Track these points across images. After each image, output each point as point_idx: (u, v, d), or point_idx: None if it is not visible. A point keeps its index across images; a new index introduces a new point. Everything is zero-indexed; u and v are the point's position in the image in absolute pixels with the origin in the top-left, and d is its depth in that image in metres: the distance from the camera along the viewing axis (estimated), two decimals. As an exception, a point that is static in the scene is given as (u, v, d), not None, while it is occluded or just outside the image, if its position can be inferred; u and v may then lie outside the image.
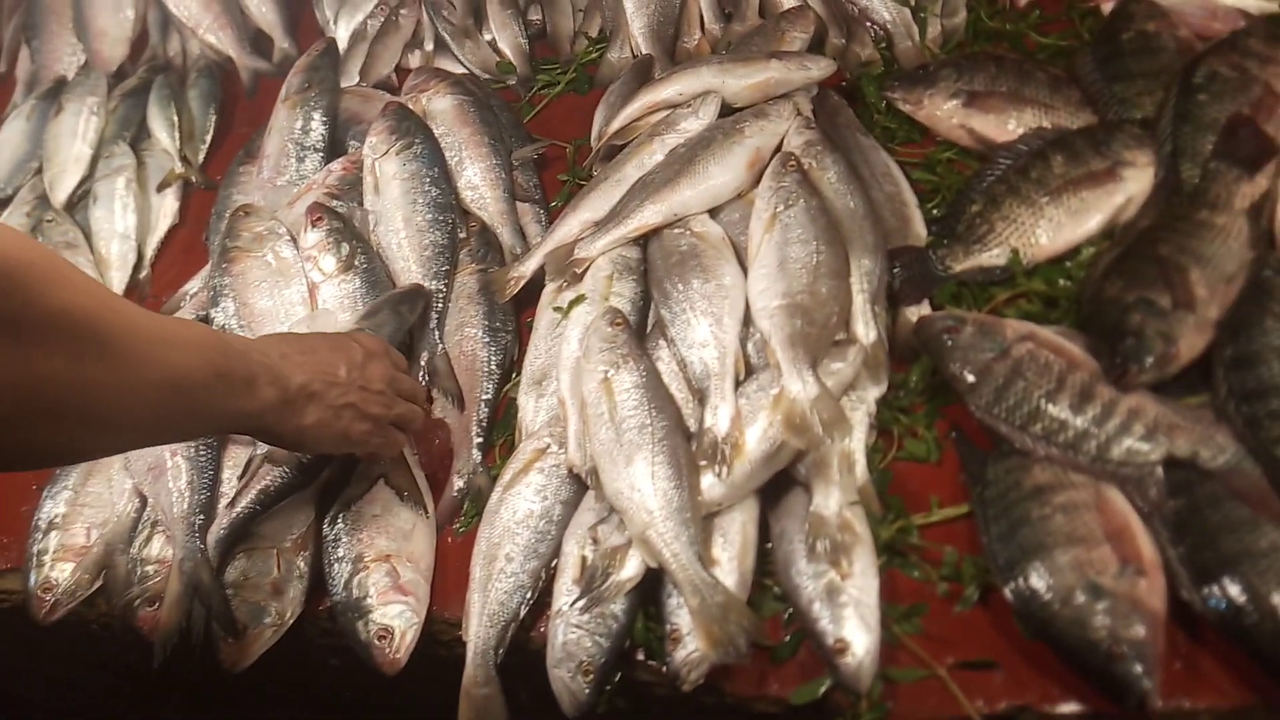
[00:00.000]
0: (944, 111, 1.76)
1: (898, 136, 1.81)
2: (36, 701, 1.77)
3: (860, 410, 1.42)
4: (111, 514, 1.52)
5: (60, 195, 2.04)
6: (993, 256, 1.57)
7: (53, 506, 1.54)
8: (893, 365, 1.48)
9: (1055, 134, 1.66)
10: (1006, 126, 1.72)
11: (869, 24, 1.98)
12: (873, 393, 1.43)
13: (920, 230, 1.63)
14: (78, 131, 2.11)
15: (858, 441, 1.39)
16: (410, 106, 1.91)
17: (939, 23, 1.97)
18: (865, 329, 1.47)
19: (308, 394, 1.24)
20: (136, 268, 1.96)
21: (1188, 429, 1.29)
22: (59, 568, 1.47)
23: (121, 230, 1.96)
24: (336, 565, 1.40)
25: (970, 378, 1.38)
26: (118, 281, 1.93)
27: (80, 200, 2.06)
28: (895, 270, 1.55)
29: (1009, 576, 1.22)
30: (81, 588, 1.46)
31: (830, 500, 1.29)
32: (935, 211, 1.67)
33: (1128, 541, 1.21)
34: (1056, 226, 1.56)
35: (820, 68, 1.77)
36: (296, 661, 1.40)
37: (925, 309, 1.54)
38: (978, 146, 1.74)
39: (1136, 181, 1.57)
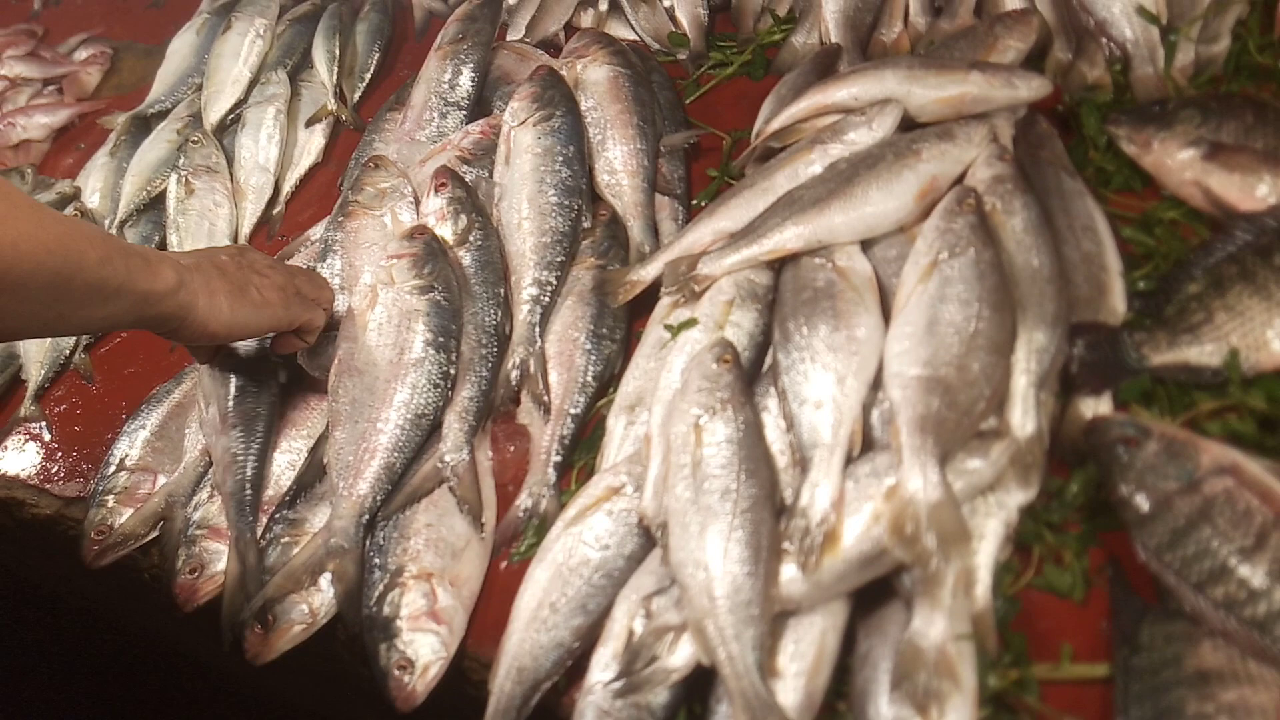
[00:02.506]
0: (1177, 161, 1.45)
1: (1114, 182, 1.51)
2: (72, 635, 1.79)
3: (998, 518, 1.18)
4: (180, 464, 1.47)
5: (213, 117, 2.02)
6: (1205, 353, 1.27)
7: (127, 445, 1.52)
8: (1051, 468, 1.22)
9: (1317, 211, 1.32)
10: (1255, 192, 1.39)
11: (1105, 40, 1.66)
12: (1017, 498, 1.19)
13: (1119, 305, 1.34)
14: (240, 53, 2.08)
15: (985, 556, 1.15)
16: (564, 73, 1.75)
17: (1193, 49, 1.62)
18: (1023, 419, 1.22)
19: (204, 272, 1.26)
20: (271, 203, 1.93)
21: None
22: (118, 512, 1.44)
23: (262, 161, 1.93)
24: (374, 574, 1.29)
25: (1144, 508, 1.11)
26: (250, 213, 1.90)
27: (232, 124, 2.03)
28: (1076, 350, 1.28)
29: (1139, 780, 0.97)
30: (134, 538, 1.44)
31: (933, 628, 1.07)
32: (1143, 284, 1.38)
33: (1309, 775, 0.94)
34: (1296, 330, 1.25)
35: (1031, 88, 1.49)
36: (321, 670, 1.31)
37: (1105, 406, 1.27)
38: (1213, 210, 1.42)
39: None
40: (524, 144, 1.64)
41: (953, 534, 1.07)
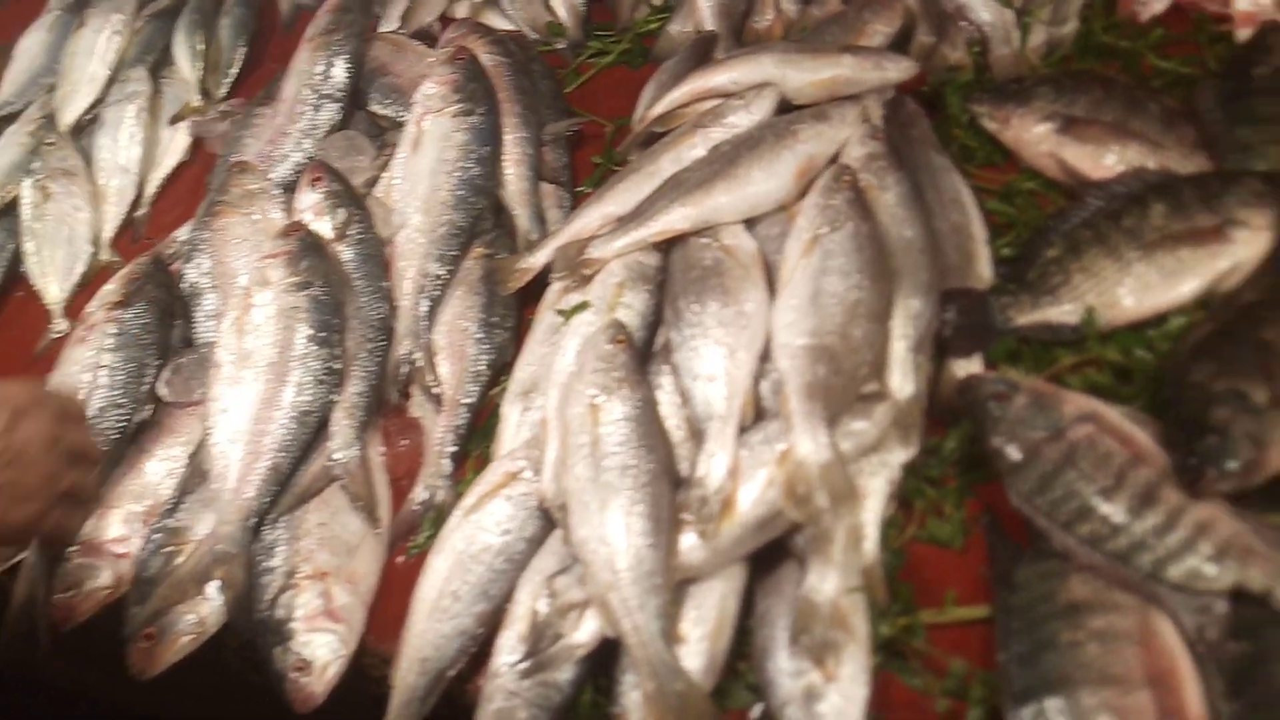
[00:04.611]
0: (1034, 135, 1.54)
1: (977, 157, 1.59)
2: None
3: (881, 476, 1.23)
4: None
5: (67, 117, 1.92)
6: (1064, 312, 1.35)
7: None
8: (930, 427, 1.28)
9: (1160, 178, 1.42)
10: (1104, 161, 1.49)
11: (965, 23, 1.75)
12: (899, 456, 1.24)
13: (985, 271, 1.42)
14: (96, 50, 1.98)
15: (872, 513, 1.20)
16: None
17: (1045, 30, 1.72)
18: (902, 381, 1.27)
19: None
20: (134, 205, 1.85)
21: (1266, 556, 1.07)
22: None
23: (123, 162, 1.85)
24: (265, 577, 1.26)
25: (1014, 457, 1.18)
26: (112, 217, 1.81)
27: (90, 125, 1.94)
28: (947, 315, 1.34)
29: (1020, 709, 1.02)
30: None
31: (826, 584, 1.10)
32: (1006, 251, 1.46)
33: (1172, 690, 1.01)
34: (1144, 287, 1.34)
35: (898, 69, 1.56)
36: (214, 682, 1.27)
37: (976, 365, 1.34)
38: (1067, 180, 1.52)
39: (1248, 246, 1.34)
40: (436, 133, 1.61)
41: (842, 492, 1.11)
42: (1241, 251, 1.34)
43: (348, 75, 1.76)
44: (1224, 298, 1.32)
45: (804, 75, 1.53)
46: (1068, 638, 1.05)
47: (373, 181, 1.66)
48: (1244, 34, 1.66)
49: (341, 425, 1.38)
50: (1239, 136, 1.46)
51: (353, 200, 1.57)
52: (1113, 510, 1.11)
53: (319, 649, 1.20)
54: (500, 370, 1.46)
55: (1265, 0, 1.69)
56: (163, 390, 1.48)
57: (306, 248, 1.47)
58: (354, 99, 1.80)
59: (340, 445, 1.36)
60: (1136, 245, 1.35)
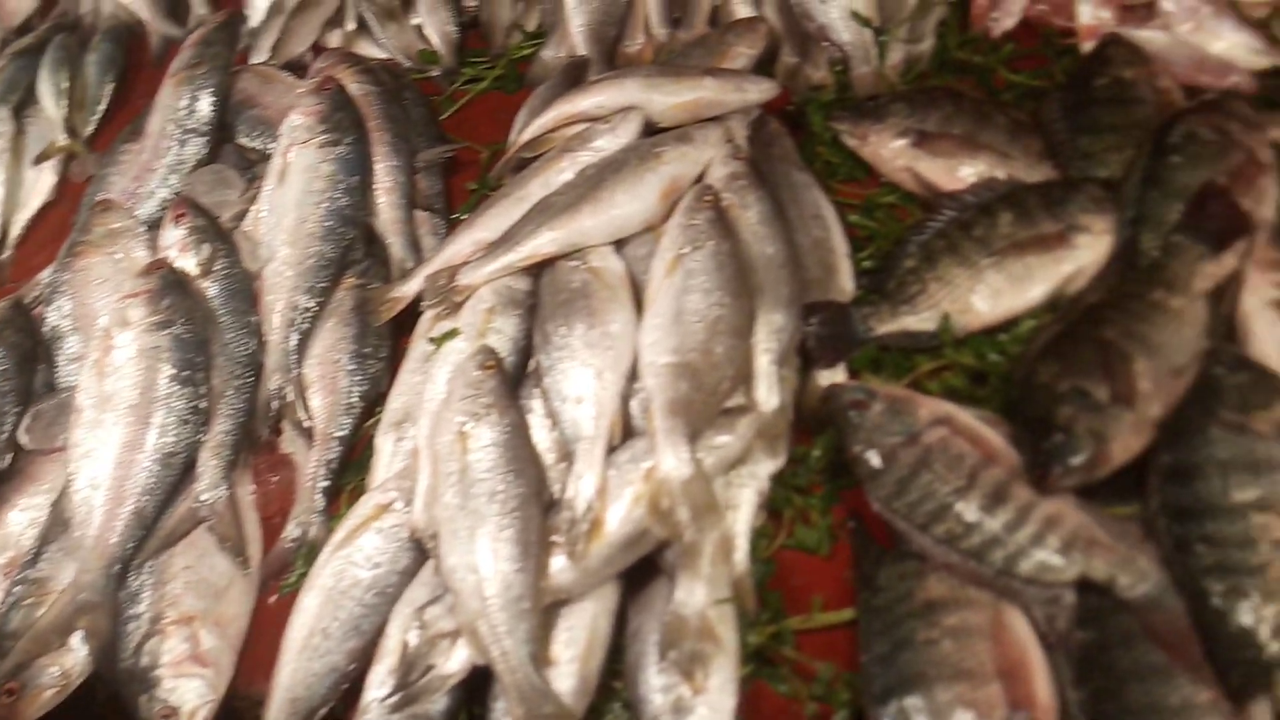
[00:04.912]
0: (890, 150, 1.59)
1: (839, 173, 1.65)
2: None
3: (750, 487, 1.26)
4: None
5: (-76, 160, 1.86)
6: (921, 320, 1.41)
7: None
8: (797, 436, 1.31)
9: (1008, 187, 1.49)
10: (956, 174, 1.55)
11: (827, 43, 1.80)
12: (767, 467, 1.27)
13: (846, 284, 1.46)
14: (-46, 91, 1.92)
15: (742, 524, 1.23)
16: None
17: (903, 48, 1.79)
18: (767, 394, 1.30)
19: None
20: (-2, 247, 1.79)
21: (1109, 547, 1.13)
22: None
23: (-15, 205, 1.79)
24: (130, 625, 1.23)
25: (874, 462, 1.22)
26: (-26, 261, 1.76)
27: (-52, 168, 1.87)
28: (810, 327, 1.38)
29: (881, 708, 1.06)
30: None
31: (694, 597, 1.12)
32: (868, 263, 1.51)
33: (1022, 680, 1.05)
34: (995, 293, 1.40)
35: (759, 90, 1.59)
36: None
37: (840, 375, 1.38)
38: (924, 193, 1.58)
39: (1090, 250, 1.41)
40: (302, 164, 1.59)
41: (704, 506, 1.14)
42: (1084, 255, 1.41)
43: (213, 109, 1.74)
44: (1070, 300, 1.39)
45: (667, 98, 1.56)
46: (924, 636, 1.09)
47: (241, 215, 1.64)
48: (1088, 47, 1.75)
49: (208, 465, 1.36)
50: (1081, 145, 1.54)
51: (218, 235, 1.54)
52: (966, 509, 1.15)
53: (186, 694, 1.17)
54: (375, 401, 1.45)
55: (1106, 14, 1.78)
56: (23, 437, 1.43)
57: (168, 286, 1.44)
58: (222, 132, 1.77)
59: (207, 486, 1.34)
60: (987, 253, 1.41)
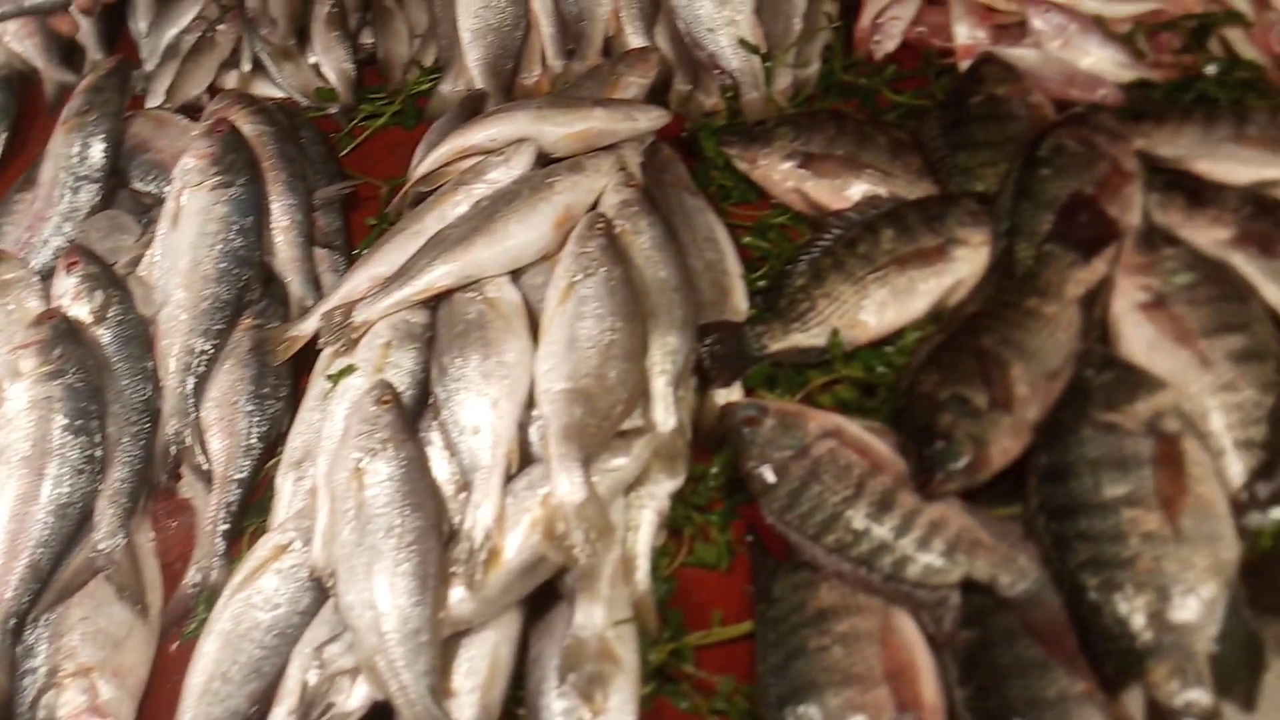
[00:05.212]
0: (779, 173, 1.64)
1: (732, 196, 1.69)
2: None
3: (650, 508, 1.28)
4: None
5: None
6: (812, 337, 1.45)
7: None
8: (697, 455, 1.34)
9: (890, 205, 1.54)
10: (843, 193, 1.60)
11: (718, 71, 1.85)
12: (666, 487, 1.30)
13: (741, 304, 1.50)
14: None
15: (642, 544, 1.25)
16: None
17: (791, 73, 1.85)
18: (664, 415, 1.33)
19: None
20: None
21: (991, 548, 1.17)
22: None
23: None
24: (26, 679, 1.21)
25: (767, 477, 1.25)
26: None
27: None
28: (705, 348, 1.42)
29: (777, 717, 1.08)
30: None
31: (592, 620, 1.14)
32: (762, 283, 1.55)
33: (909, 682, 1.09)
34: (881, 307, 1.45)
35: (650, 118, 1.63)
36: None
37: (736, 393, 1.42)
38: (812, 212, 1.63)
39: (968, 262, 1.47)
40: (195, 207, 1.59)
41: (599, 529, 1.16)
42: (962, 267, 1.46)
43: (105, 155, 1.73)
44: (951, 311, 1.44)
45: (558, 129, 1.59)
46: (815, 644, 1.12)
47: (137, 260, 1.62)
48: (966, 65, 1.82)
49: (105, 514, 1.34)
50: (959, 161, 1.60)
51: (112, 281, 1.53)
52: (854, 517, 1.19)
53: (81, 749, 1.15)
54: (276, 441, 1.45)
55: (981, 34, 1.86)
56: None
57: (60, 335, 1.43)
58: (116, 178, 1.76)
59: (104, 535, 1.33)
60: (870, 269, 1.46)
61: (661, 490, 1.29)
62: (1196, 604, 1.09)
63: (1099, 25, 1.80)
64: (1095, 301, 1.38)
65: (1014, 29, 1.86)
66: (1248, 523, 1.17)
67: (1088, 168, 1.49)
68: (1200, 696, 1.05)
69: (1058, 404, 1.27)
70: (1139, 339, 1.35)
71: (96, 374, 1.42)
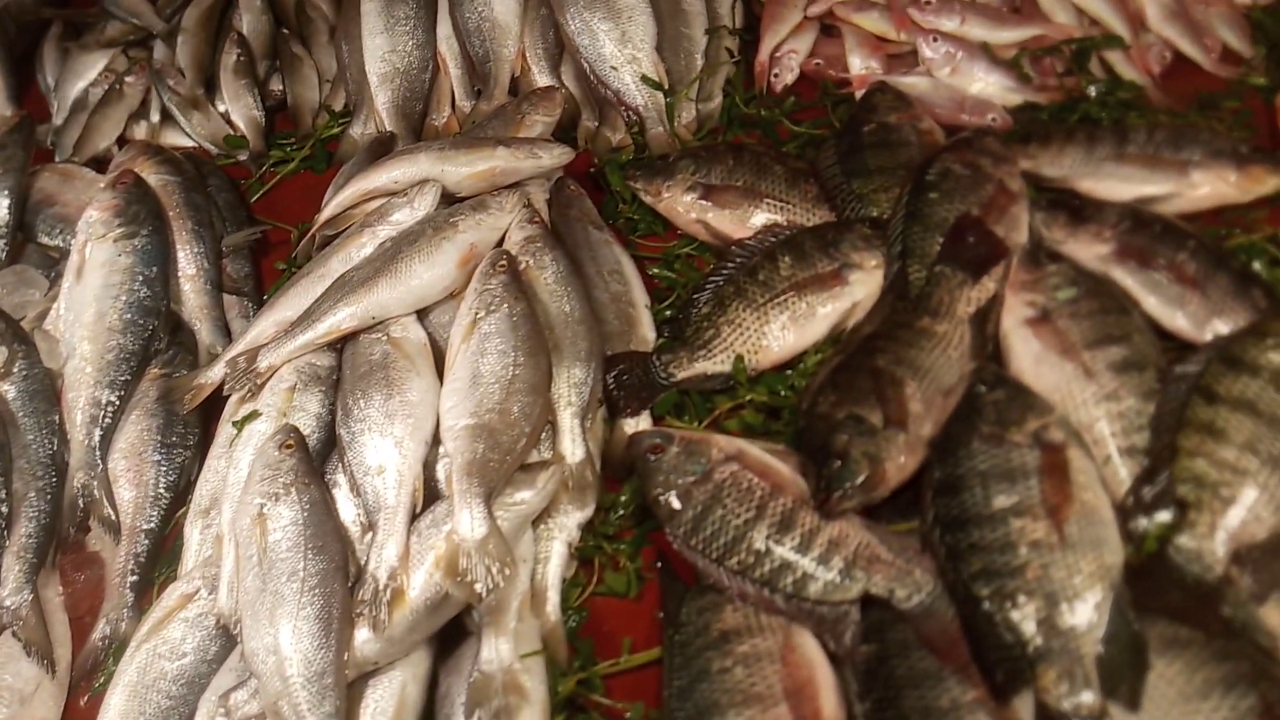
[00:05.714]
0: (682, 204, 1.68)
1: (639, 228, 1.72)
2: None
3: (560, 539, 1.30)
4: None
5: None
6: (717, 364, 1.48)
7: None
8: (608, 484, 1.36)
9: (787, 233, 1.59)
10: (744, 222, 1.65)
11: (623, 107, 1.89)
12: (576, 518, 1.32)
13: (648, 334, 1.53)
14: None
15: (552, 576, 1.27)
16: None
17: (694, 107, 1.89)
18: (572, 447, 1.35)
19: None
20: None
21: (889, 563, 1.21)
22: None
23: None
24: (-75, 745, 1.19)
25: (672, 503, 1.27)
26: None
27: None
28: (611, 379, 1.44)
29: (681, 742, 1.10)
30: None
31: (499, 654, 1.15)
32: (669, 312, 1.58)
33: (809, 699, 1.11)
34: (782, 332, 1.49)
35: (553, 155, 1.66)
36: None
37: (645, 422, 1.44)
38: (716, 242, 1.67)
39: (864, 285, 1.51)
40: (99, 259, 1.59)
41: (502, 564, 1.17)
42: (858, 290, 1.51)
43: (9, 211, 1.72)
44: (849, 333, 1.48)
45: (461, 169, 1.62)
46: (718, 665, 1.14)
47: (45, 314, 1.61)
48: (861, 95, 1.88)
49: (11, 570, 1.33)
50: (853, 188, 1.65)
51: (16, 337, 1.52)
52: (756, 538, 1.22)
53: (-16, 812, 1.14)
54: (185, 490, 1.45)
55: (875, 64, 1.93)
56: None
57: (-40, 393, 1.41)
58: (23, 233, 1.75)
59: (11, 591, 1.31)
60: (770, 295, 1.50)
61: (571, 521, 1.31)
62: (1083, 608, 1.12)
63: (986, 52, 1.88)
64: (987, 319, 1.42)
65: (907, 58, 1.94)
66: (1133, 527, 1.21)
67: (974, 190, 1.55)
68: (1088, 698, 1.08)
69: (951, 419, 1.31)
70: (1027, 353, 1.39)
71: (0, 431, 1.40)
